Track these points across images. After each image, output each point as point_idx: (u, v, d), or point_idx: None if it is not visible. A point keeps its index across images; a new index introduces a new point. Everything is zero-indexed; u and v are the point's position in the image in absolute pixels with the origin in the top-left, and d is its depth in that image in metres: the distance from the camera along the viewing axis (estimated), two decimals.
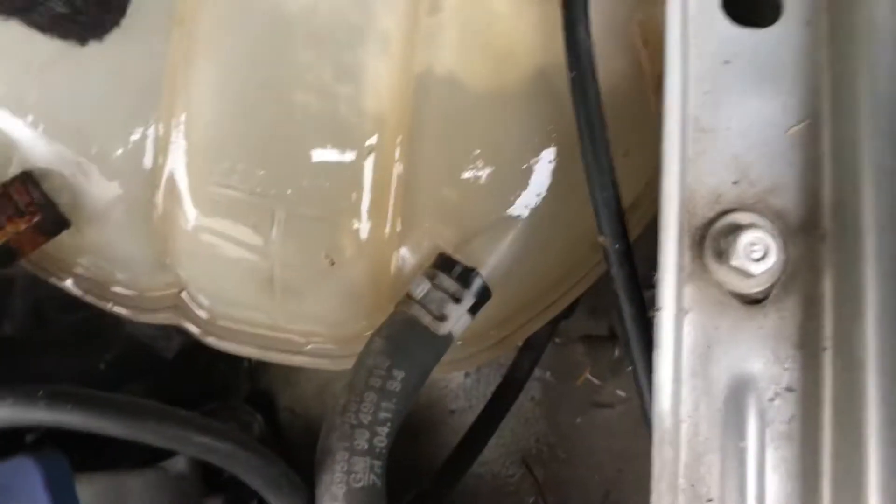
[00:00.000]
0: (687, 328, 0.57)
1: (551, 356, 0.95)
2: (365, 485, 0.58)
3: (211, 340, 0.71)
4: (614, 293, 0.83)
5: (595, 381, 0.97)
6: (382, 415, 0.59)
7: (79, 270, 0.71)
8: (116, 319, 0.99)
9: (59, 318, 1.00)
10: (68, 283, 0.72)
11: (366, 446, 0.59)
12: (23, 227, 0.60)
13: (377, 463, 0.59)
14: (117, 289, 0.71)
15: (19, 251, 0.61)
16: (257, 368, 1.15)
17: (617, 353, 0.93)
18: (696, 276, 0.57)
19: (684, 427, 0.56)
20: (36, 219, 0.60)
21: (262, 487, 0.58)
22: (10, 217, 0.59)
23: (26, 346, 0.97)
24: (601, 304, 0.93)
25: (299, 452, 1.14)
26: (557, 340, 0.95)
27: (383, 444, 0.59)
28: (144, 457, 0.90)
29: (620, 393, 0.97)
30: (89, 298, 0.73)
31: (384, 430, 0.59)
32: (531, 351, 0.88)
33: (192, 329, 0.71)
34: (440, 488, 0.86)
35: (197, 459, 0.91)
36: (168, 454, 0.91)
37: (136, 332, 1.02)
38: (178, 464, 0.94)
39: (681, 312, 0.57)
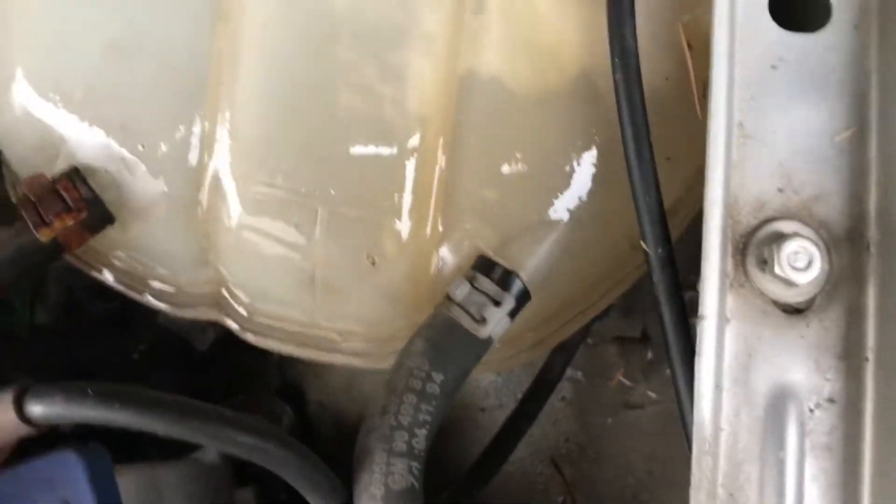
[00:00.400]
0: (729, 336, 0.57)
1: (583, 356, 0.95)
2: (404, 487, 0.59)
3: (249, 336, 0.71)
4: (651, 297, 0.82)
5: (626, 382, 0.97)
6: (422, 417, 0.59)
7: (117, 263, 0.72)
8: (151, 310, 1.00)
9: (93, 306, 1.02)
10: (106, 276, 0.73)
11: (405, 448, 0.59)
12: (70, 222, 0.60)
13: (415, 465, 0.59)
14: (155, 283, 0.72)
15: (66, 246, 0.62)
16: (286, 361, 1.16)
17: (650, 355, 0.93)
18: (738, 284, 0.57)
19: (724, 436, 0.56)
20: (83, 215, 0.61)
21: (303, 487, 0.59)
22: (57, 213, 0.60)
23: (60, 334, 0.99)
24: (635, 305, 0.93)
25: (327, 445, 1.14)
26: (590, 341, 0.95)
27: (422, 447, 0.59)
28: (176, 448, 0.91)
29: (651, 394, 0.97)
30: (126, 291, 0.73)
31: (423, 433, 0.59)
32: (564, 352, 0.88)
33: (231, 325, 0.72)
34: (471, 487, 0.86)
35: None
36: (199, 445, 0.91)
37: (169, 324, 1.04)
38: (210, 455, 0.94)
39: (723, 321, 0.57)
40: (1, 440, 0.57)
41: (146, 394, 0.56)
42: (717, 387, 0.56)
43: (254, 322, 0.70)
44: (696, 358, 0.57)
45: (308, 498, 0.60)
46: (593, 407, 0.99)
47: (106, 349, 1.02)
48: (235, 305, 0.70)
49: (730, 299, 0.57)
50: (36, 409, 0.56)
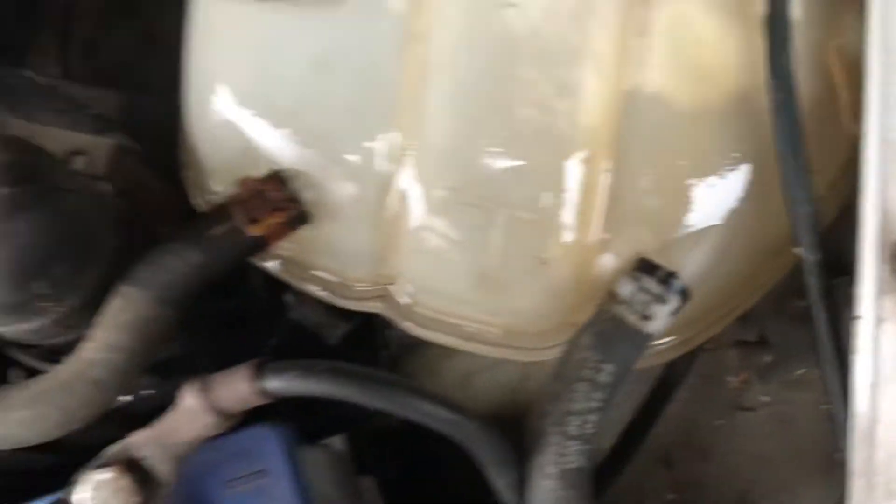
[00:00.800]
0: (884, 336, 0.61)
1: (698, 358, 0.99)
2: (577, 466, 0.64)
3: (410, 326, 0.77)
4: (771, 301, 0.87)
5: (739, 384, 1.01)
6: (593, 404, 0.65)
7: (282, 253, 0.77)
8: (282, 305, 1.06)
9: (213, 305, 1.08)
10: (270, 264, 0.78)
11: (577, 432, 0.65)
12: (278, 221, 0.67)
13: (586, 448, 0.65)
14: (321, 273, 0.78)
15: (268, 243, 0.69)
16: (400, 357, 1.21)
17: (768, 358, 0.97)
18: (892, 289, 0.62)
19: (881, 427, 0.60)
20: (289, 214, 0.68)
21: (485, 460, 0.65)
22: (268, 211, 0.67)
23: (190, 329, 1.05)
24: (751, 311, 0.97)
25: (440, 439, 1.20)
26: (707, 345, 0.99)
27: (592, 431, 0.65)
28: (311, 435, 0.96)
29: (763, 398, 1.01)
30: (288, 278, 0.79)
31: (593, 419, 0.65)
32: (686, 354, 0.92)
33: (393, 316, 0.77)
34: (599, 487, 0.91)
35: (349, 440, 0.98)
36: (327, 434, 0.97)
37: (302, 319, 1.10)
38: (338, 443, 1.00)
39: (879, 321, 0.61)
40: (236, 409, 0.64)
41: (364, 371, 0.63)
42: (874, 383, 0.61)
43: (416, 314, 0.76)
44: (852, 355, 0.61)
45: (488, 470, 0.66)
46: (705, 408, 1.03)
47: (237, 344, 1.08)
48: (400, 298, 0.76)
49: (884, 302, 0.61)
50: (273, 382, 0.63)
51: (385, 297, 0.77)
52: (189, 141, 0.78)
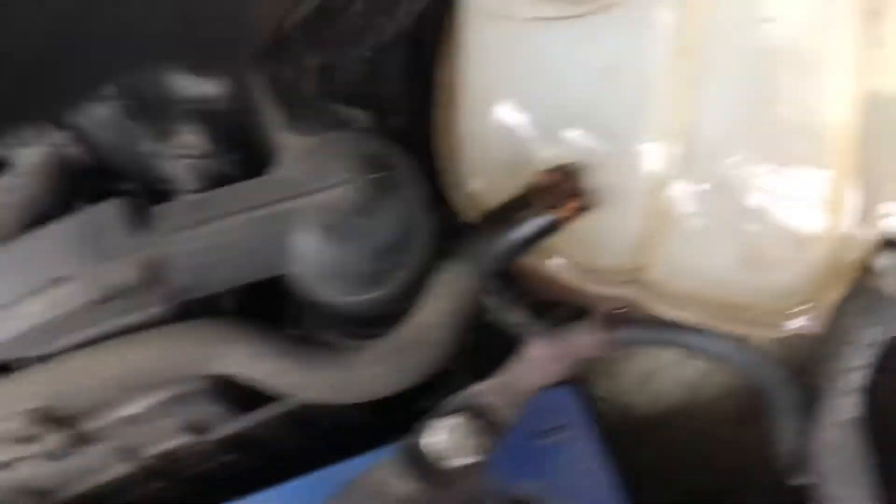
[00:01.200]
0: None
1: None
2: (851, 417, 0.73)
3: (662, 308, 0.85)
4: None
5: None
6: (859, 362, 0.74)
7: None
8: (482, 308, 1.16)
9: None
10: None
11: (849, 387, 0.74)
12: (575, 206, 0.77)
13: (858, 401, 0.74)
14: (564, 258, 0.87)
15: (559, 227, 0.79)
16: None
17: None
18: None
19: None
20: (580, 203, 0.78)
21: (780, 406, 0.75)
22: (566, 198, 0.77)
23: None
24: None
25: (614, 437, 1.27)
26: None
27: (863, 385, 0.74)
28: None
29: None
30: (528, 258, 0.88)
31: (860, 374, 0.74)
32: None
33: (643, 299, 0.86)
34: None
35: None
36: None
37: (497, 321, 1.20)
38: None
39: None
40: (580, 358, 0.74)
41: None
42: None
43: (670, 296, 0.85)
44: None
45: (779, 414, 0.76)
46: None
47: None
48: (654, 281, 0.85)
49: None
50: (619, 332, 0.73)
51: (635, 281, 0.86)
52: (450, 148, 0.89)
